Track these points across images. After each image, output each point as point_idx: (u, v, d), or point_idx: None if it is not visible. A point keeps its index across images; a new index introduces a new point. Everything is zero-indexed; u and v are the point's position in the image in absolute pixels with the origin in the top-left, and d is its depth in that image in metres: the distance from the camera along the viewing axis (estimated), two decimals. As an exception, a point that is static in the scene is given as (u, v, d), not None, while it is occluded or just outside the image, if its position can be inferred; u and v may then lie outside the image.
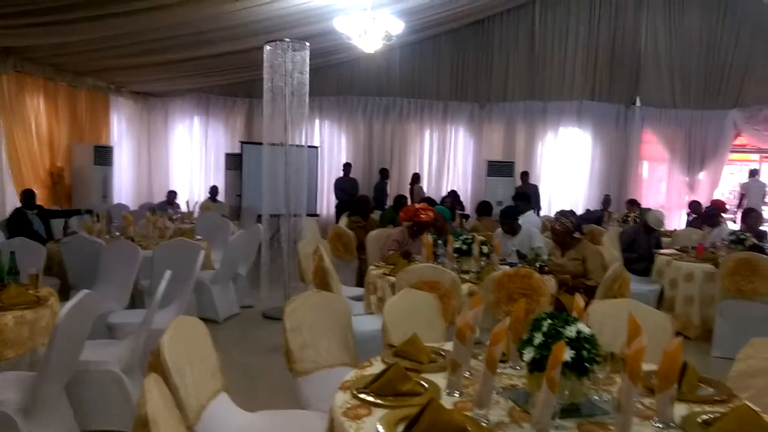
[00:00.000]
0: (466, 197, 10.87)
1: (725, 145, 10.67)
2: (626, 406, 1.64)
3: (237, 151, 10.58)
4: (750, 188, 10.15)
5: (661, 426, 1.75)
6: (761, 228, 6.66)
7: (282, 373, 2.53)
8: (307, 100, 5.84)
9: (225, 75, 10.35)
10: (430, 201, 7.04)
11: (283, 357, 2.52)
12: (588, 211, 9.69)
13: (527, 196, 9.14)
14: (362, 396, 1.81)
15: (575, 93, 11.03)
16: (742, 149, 11.22)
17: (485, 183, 10.74)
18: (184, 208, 9.36)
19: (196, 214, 8.55)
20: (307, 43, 5.81)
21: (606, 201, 9.79)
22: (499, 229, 5.55)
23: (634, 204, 9.29)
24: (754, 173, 10.39)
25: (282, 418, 2.43)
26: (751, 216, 6.75)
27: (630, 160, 11.10)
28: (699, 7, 10.58)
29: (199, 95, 11.28)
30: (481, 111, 11.38)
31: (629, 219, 8.18)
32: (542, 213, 9.88)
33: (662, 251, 6.09)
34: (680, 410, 1.86)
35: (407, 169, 11.31)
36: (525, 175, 10.21)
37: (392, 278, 3.79)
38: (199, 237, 6.17)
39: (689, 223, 8.68)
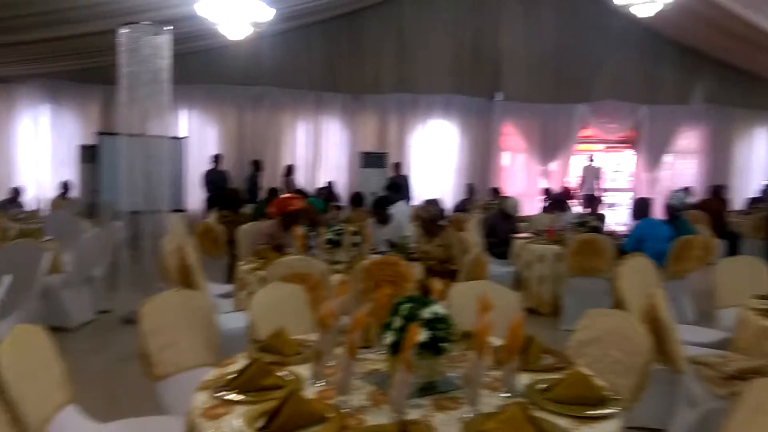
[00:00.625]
0: (341, 188, 10.95)
1: (574, 136, 11.72)
2: (473, 379, 1.77)
3: (93, 142, 9.78)
4: (587, 172, 11.35)
5: (506, 395, 1.90)
6: (600, 211, 7.42)
7: (144, 379, 2.41)
8: (170, 87, 5.55)
9: (78, 59, 9.49)
10: (301, 193, 7.02)
11: (139, 361, 2.39)
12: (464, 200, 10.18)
13: (398, 187, 9.42)
14: (221, 395, 1.77)
15: (442, 87, 11.51)
16: (589, 140, 12.37)
17: (359, 174, 10.90)
18: (32, 205, 8.50)
19: (44, 213, 7.82)
20: (169, 27, 5.51)
21: (470, 190, 10.36)
22: (372, 219, 5.67)
23: (496, 192, 9.93)
24: (590, 159, 11.55)
25: (138, 426, 2.31)
26: (593, 201, 7.51)
27: (492, 151, 11.81)
28: (552, 10, 11.46)
29: (48, 81, 10.26)
30: (355, 102, 11.50)
31: (491, 206, 8.71)
32: (414, 202, 10.23)
33: (519, 235, 6.57)
34: (525, 379, 2.03)
35: (281, 161, 11.15)
36: (397, 166, 10.49)
37: (262, 273, 3.74)
38: (48, 237, 5.64)
39: (543, 209, 9.44)
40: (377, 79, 11.49)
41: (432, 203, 4.94)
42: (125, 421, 2.32)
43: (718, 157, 12.12)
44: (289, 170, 10.41)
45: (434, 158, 11.63)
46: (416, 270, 4.16)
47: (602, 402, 1.83)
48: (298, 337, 2.37)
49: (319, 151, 11.58)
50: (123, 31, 5.32)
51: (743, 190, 11.92)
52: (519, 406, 1.67)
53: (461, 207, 9.56)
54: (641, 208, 5.71)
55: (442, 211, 5.02)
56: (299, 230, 4.27)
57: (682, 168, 12.22)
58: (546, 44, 11.47)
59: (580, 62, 11.54)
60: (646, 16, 7.97)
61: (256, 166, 10.31)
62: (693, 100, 11.86)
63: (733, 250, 8.42)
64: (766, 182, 10.55)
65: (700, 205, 9.30)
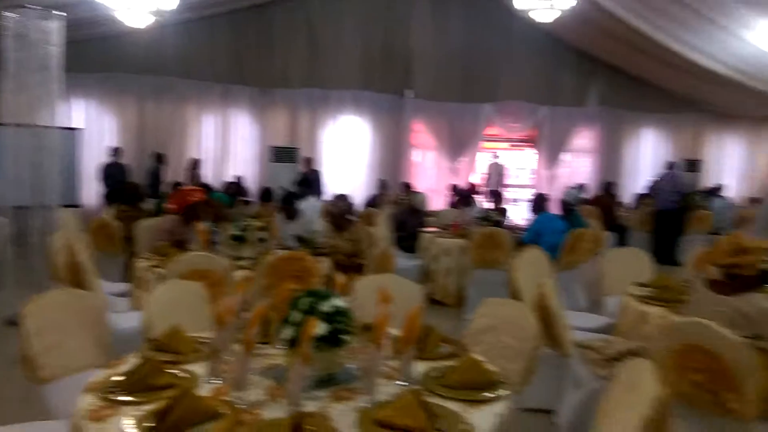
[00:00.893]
0: (251, 183, 10.72)
1: (480, 134, 12.15)
2: (370, 370, 1.81)
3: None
4: (492, 169, 11.89)
5: (403, 383, 1.96)
6: (504, 206, 7.76)
7: (29, 382, 2.26)
8: (61, 75, 5.21)
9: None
10: (206, 187, 6.80)
11: (21, 364, 2.24)
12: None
13: (309, 182, 9.37)
14: (109, 396, 1.70)
15: (353, 83, 11.55)
16: (494, 139, 12.86)
17: (269, 169, 10.72)
18: None
19: None
20: (61, 13, 5.17)
21: (382, 185, 10.48)
22: (280, 215, 5.61)
23: (407, 187, 10.11)
24: (495, 156, 12.06)
25: (21, 432, 2.17)
26: (497, 197, 7.84)
27: (403, 148, 12.00)
28: (461, 11, 11.76)
29: None
30: (264, 96, 11.29)
31: (401, 202, 8.85)
32: (325, 198, 10.20)
33: (427, 230, 6.74)
34: (422, 368, 2.10)
35: (186, 155, 10.74)
36: (308, 161, 10.42)
37: (162, 270, 3.60)
38: None
39: (451, 204, 9.72)
40: (287, 74, 11.33)
41: (341, 198, 4.96)
42: (9, 428, 2.17)
43: (610, 156, 13.01)
44: (194, 164, 10.04)
45: (346, 154, 11.66)
46: (324, 265, 4.17)
47: (492, 386, 1.92)
48: (196, 334, 2.32)
49: (228, 144, 11.26)
50: (9, 15, 4.95)
51: (632, 187, 12.88)
52: (413, 393, 1.73)
53: (373, 202, 9.66)
54: (539, 203, 6.03)
55: (350, 206, 5.05)
56: (201, 226, 4.15)
57: (578, 166, 13.00)
58: (454, 44, 11.80)
59: (486, 63, 11.96)
60: (546, 21, 8.41)
61: (159, 159, 9.87)
62: (588, 103, 12.65)
63: (621, 242, 9.09)
64: (652, 179, 11.38)
65: (592, 201, 9.95)
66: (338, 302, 2.03)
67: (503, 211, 7.73)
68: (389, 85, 11.69)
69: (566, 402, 3.16)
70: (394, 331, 2.16)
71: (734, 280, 2.61)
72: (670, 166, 9.73)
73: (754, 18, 8.41)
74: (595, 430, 1.89)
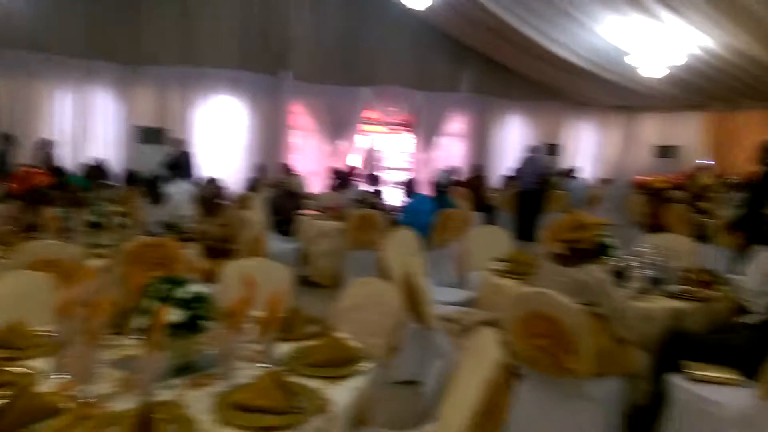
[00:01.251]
0: (115, 166, 9.99)
1: (359, 118, 12.26)
2: (227, 354, 1.79)
3: None
4: (370, 152, 12.15)
5: (265, 366, 1.96)
6: (380, 188, 7.91)
7: None
8: None
9: None
10: (59, 170, 6.26)
11: None
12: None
13: (179, 165, 8.94)
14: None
15: (229, 62, 11.11)
16: (373, 122, 13.04)
17: (136, 150, 10.07)
18: None
19: None
20: None
21: (259, 168, 10.26)
22: (145, 199, 5.32)
23: (286, 170, 9.98)
24: (372, 140, 12.26)
25: None
26: (374, 180, 7.99)
27: (282, 130, 11.79)
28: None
29: None
30: (130, 74, 10.53)
31: (277, 184, 8.72)
32: (197, 181, 9.78)
33: (304, 212, 6.72)
34: (285, 348, 2.12)
35: (40, 135, 9.77)
36: (178, 142, 9.91)
37: (4, 260, 3.28)
38: None
39: (330, 187, 9.76)
40: (156, 50, 10.63)
41: (211, 182, 4.80)
42: None
43: (480, 140, 13.74)
44: (44, 144, 9.13)
45: (221, 136, 11.24)
46: (192, 251, 4.03)
47: (352, 362, 1.99)
48: (41, 328, 2.15)
49: (88, 125, 10.38)
50: None
51: (499, 169, 13.70)
52: (271, 374, 1.74)
53: (250, 185, 9.44)
54: (410, 186, 6.24)
55: (221, 189, 4.91)
56: (51, 211, 3.82)
57: (452, 149, 13.59)
58: (333, 27, 11.74)
59: (364, 47, 12.05)
60: (418, 8, 8.64)
61: (7, 140, 8.90)
62: (461, 89, 13.22)
63: (490, 222, 9.68)
64: (522, 158, 12.01)
65: (463, 183, 10.47)
66: (197, 288, 1.98)
67: (380, 194, 7.90)
68: (267, 66, 11.39)
69: (431, 372, 3.34)
70: (259, 314, 2.16)
71: (574, 253, 2.88)
72: (531, 150, 10.50)
73: (602, 12, 9.23)
74: (446, 395, 2.03)
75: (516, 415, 2.84)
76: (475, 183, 10.35)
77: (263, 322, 2.00)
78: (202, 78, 10.93)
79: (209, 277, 3.30)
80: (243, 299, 1.90)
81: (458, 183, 10.36)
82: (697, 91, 12.56)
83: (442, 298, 4.04)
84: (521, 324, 2.65)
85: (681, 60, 10.10)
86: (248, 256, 4.02)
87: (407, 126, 13.09)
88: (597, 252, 3.18)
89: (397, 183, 10.45)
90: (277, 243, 6.22)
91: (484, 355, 1.85)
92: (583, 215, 2.95)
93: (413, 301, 3.14)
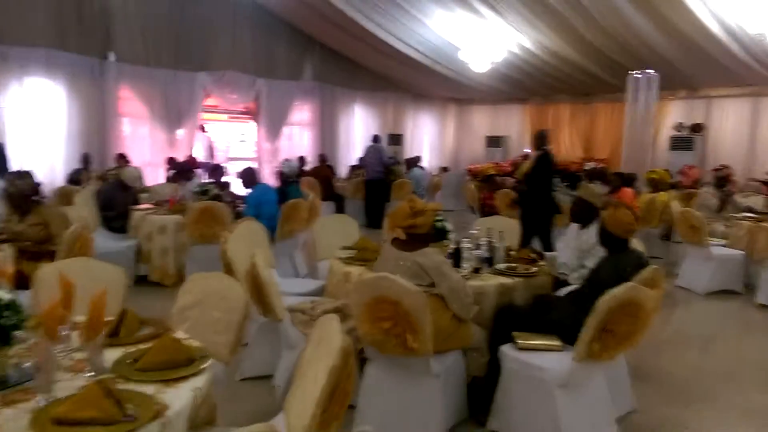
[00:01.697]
0: None
1: (198, 105, 11.63)
2: (44, 365, 1.60)
3: None
4: (210, 141, 11.72)
5: (92, 374, 1.78)
6: (224, 180, 7.63)
7: None
8: None
9: None
10: None
11: None
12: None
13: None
14: None
15: (43, 40, 9.86)
16: (213, 110, 12.46)
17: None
18: None
19: None
20: None
21: (85, 159, 9.33)
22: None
23: (123, 159, 9.19)
24: (203, 128, 11.79)
25: None
26: (216, 170, 7.65)
27: (110, 117, 10.78)
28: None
29: None
30: None
31: (108, 176, 8.02)
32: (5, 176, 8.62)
33: (139, 207, 6.25)
34: (115, 354, 1.94)
35: None
36: (-17, 131, 8.66)
37: None
38: None
39: (169, 178, 9.18)
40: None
41: (22, 176, 4.23)
42: None
43: (327, 130, 13.81)
44: None
45: (37, 123, 9.98)
46: (2, 254, 3.55)
47: (190, 362, 1.88)
48: None
49: None
50: None
51: (346, 159, 13.91)
52: (99, 384, 1.59)
53: (74, 178, 8.55)
54: (248, 177, 6.07)
55: (34, 184, 4.35)
56: None
57: (299, 139, 13.49)
58: (160, 6, 10.97)
59: (197, 30, 11.41)
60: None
61: None
62: (304, 78, 13.14)
63: (339, 210, 9.80)
64: (367, 148, 12.19)
65: (311, 172, 10.47)
66: (3, 295, 1.74)
67: (224, 185, 7.60)
68: (87, 46, 10.30)
69: (282, 364, 3.30)
70: (81, 319, 1.95)
71: (413, 238, 3.00)
72: (375, 139, 10.80)
73: (431, 7, 9.72)
74: (292, 385, 2.00)
75: (365, 397, 2.93)
76: (322, 172, 10.39)
77: (86, 328, 1.81)
78: (9, 58, 9.59)
79: (23, 283, 2.94)
80: (58, 304, 1.70)
81: (305, 173, 10.33)
82: (518, 85, 13.80)
83: (291, 289, 4.00)
84: (366, 309, 2.70)
85: (502, 56, 11.01)
86: (71, 256, 3.64)
87: (250, 114, 12.73)
88: (435, 236, 3.36)
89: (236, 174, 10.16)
90: (108, 241, 5.71)
91: (328, 342, 1.85)
92: (419, 202, 3.07)
93: (260, 294, 3.06)
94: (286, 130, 13.14)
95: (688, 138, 12.03)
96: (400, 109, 15.55)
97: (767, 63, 9.68)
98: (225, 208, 5.61)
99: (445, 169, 14.90)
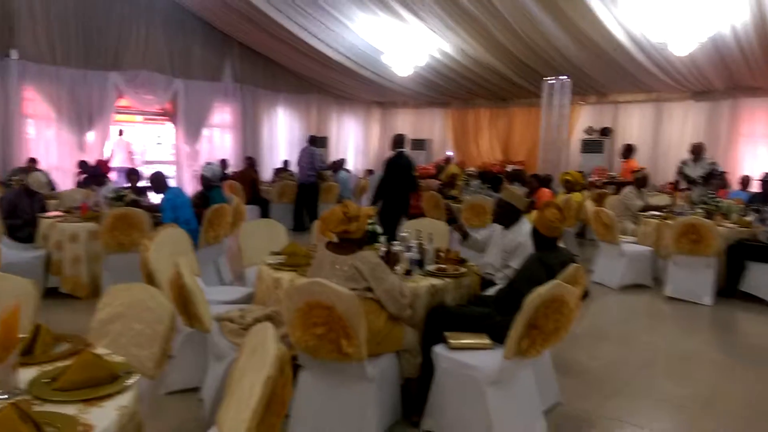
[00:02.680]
0: None
1: (109, 106, 11.05)
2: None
3: None
4: (124, 144, 11.28)
5: (5, 397, 1.64)
6: (141, 184, 7.28)
7: None
8: None
9: None
10: None
11: None
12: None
13: None
14: None
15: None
16: (127, 111, 11.87)
17: None
18: None
19: None
20: None
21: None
22: None
23: (31, 164, 8.56)
24: (120, 131, 11.37)
25: None
26: (132, 175, 7.30)
27: (13, 118, 10.04)
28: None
29: None
30: None
31: (12, 182, 7.44)
32: None
33: (47, 214, 5.85)
34: (30, 374, 1.80)
35: None
36: None
37: None
38: None
39: (79, 183, 8.67)
40: None
41: None
42: None
43: (250, 132, 13.53)
44: None
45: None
46: None
47: (114, 379, 1.77)
48: None
49: None
50: None
51: (271, 162, 13.68)
52: (13, 406, 1.46)
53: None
54: (158, 181, 5.83)
55: None
56: None
57: (220, 141, 13.12)
58: (68, 5, 10.35)
59: (109, 28, 10.88)
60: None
61: None
62: (224, 78, 12.80)
63: (264, 214, 9.60)
64: (300, 150, 11.83)
65: (235, 176, 10.21)
66: None
67: (141, 190, 7.25)
68: (-14, 43, 9.59)
69: (210, 376, 3.18)
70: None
71: (347, 242, 2.99)
72: (310, 141, 10.68)
73: (354, 11, 9.75)
74: (225, 397, 1.93)
75: (299, 404, 2.88)
76: (247, 175, 10.15)
77: (-4, 348, 1.66)
78: None
79: None
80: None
81: (229, 176, 10.06)
82: (440, 90, 14.12)
83: (217, 297, 3.87)
84: (299, 315, 2.66)
85: (424, 61, 11.23)
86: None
87: (167, 116, 12.24)
88: (367, 239, 3.36)
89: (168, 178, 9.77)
90: (14, 252, 5.31)
91: (262, 351, 1.80)
92: (353, 207, 3.06)
93: (186, 304, 2.94)
94: (206, 132, 12.75)
95: (598, 141, 12.73)
96: (324, 111, 15.48)
97: (669, 71, 10.42)
98: (143, 215, 5.35)
99: (370, 172, 14.97)
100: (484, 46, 10.55)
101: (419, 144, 15.90)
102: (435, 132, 16.22)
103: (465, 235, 4.31)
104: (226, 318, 3.15)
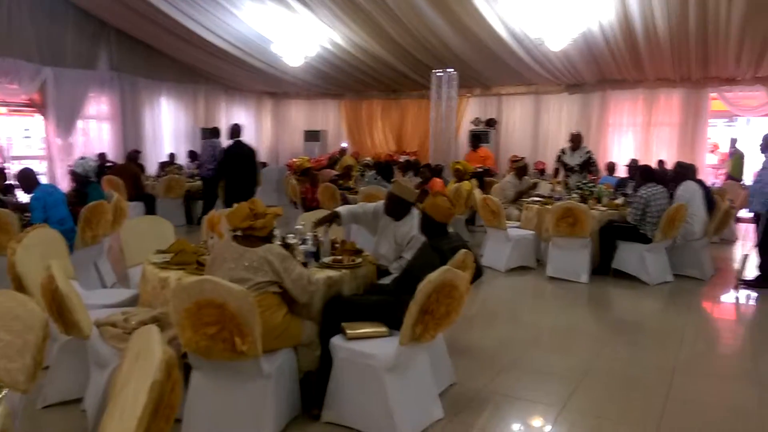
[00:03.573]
0: None
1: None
2: None
3: None
4: None
5: None
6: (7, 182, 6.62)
7: None
8: None
9: None
10: None
11: None
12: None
13: None
14: None
15: None
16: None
17: None
18: None
19: None
20: None
21: None
22: None
23: None
24: None
25: None
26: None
27: None
28: None
29: None
30: None
31: None
32: None
33: None
34: None
35: None
36: None
37: None
38: None
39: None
40: None
41: None
42: None
43: (131, 124, 12.67)
44: None
45: None
46: None
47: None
48: None
49: None
50: None
51: (156, 155, 12.94)
52: None
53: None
54: (26, 179, 5.35)
55: None
56: None
57: (97, 134, 12.20)
58: None
59: None
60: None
61: None
62: (99, 66, 11.90)
63: (150, 211, 9.06)
64: (205, 142, 11.02)
65: (116, 170, 9.54)
66: None
67: (8, 188, 6.59)
68: None
69: (92, 385, 2.97)
70: None
71: (251, 237, 2.90)
72: (211, 133, 10.17)
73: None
74: (108, 406, 1.81)
75: (191, 407, 2.76)
76: (129, 170, 9.52)
77: None
78: None
79: None
80: None
81: (108, 171, 9.41)
82: (333, 81, 14.09)
83: (98, 301, 3.62)
84: (188, 315, 2.54)
85: (315, 51, 11.13)
86: None
87: (35, 107, 11.18)
88: (270, 235, 3.28)
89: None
90: None
91: (147, 355, 1.70)
92: (260, 204, 2.98)
93: (61, 310, 2.71)
94: (80, 125, 11.80)
95: (484, 131, 13.32)
96: (212, 102, 14.89)
97: (546, 65, 11.10)
98: (10, 215, 4.87)
99: (264, 164, 14.62)
100: (374, 38, 10.64)
101: (313, 135, 15.78)
102: (329, 123, 16.17)
103: (336, 215, 4.20)
104: (107, 323, 2.94)
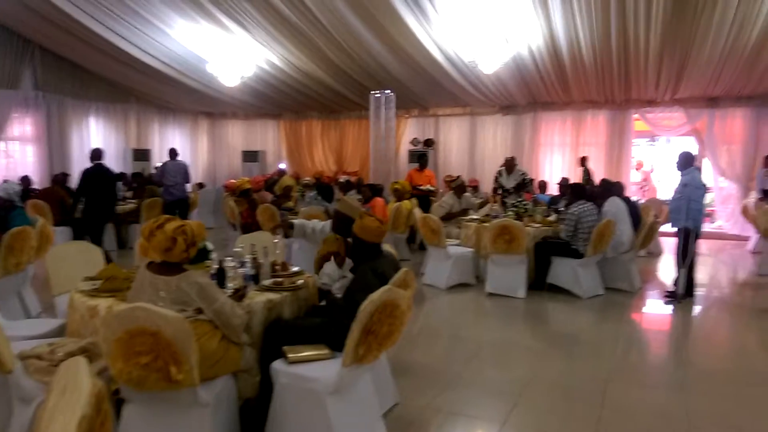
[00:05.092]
0: None
1: None
2: None
3: None
4: None
5: None
6: None
7: None
8: None
9: None
10: None
11: None
12: None
13: None
14: None
15: None
16: None
17: None
18: None
19: None
20: None
21: None
22: None
23: None
24: None
25: None
26: None
27: None
28: None
29: None
30: None
31: None
32: None
33: None
34: None
35: None
36: None
37: None
38: None
39: None
40: None
41: None
42: None
43: (57, 145, 12.12)
44: None
45: None
46: None
47: None
48: None
49: None
50: None
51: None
52: None
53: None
54: None
55: None
56: None
57: (21, 156, 11.59)
58: None
59: None
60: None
61: None
62: (22, 86, 11.35)
63: (78, 236, 8.64)
64: (173, 162, 10.49)
65: (41, 194, 9.08)
66: None
67: None
68: None
69: (15, 423, 2.77)
70: None
71: (166, 266, 2.80)
72: (174, 154, 9.98)
73: (173, 17, 9.24)
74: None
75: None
76: (54, 194, 9.07)
77: None
78: None
79: None
80: None
81: (33, 194, 8.94)
82: (271, 101, 14.00)
83: (21, 332, 3.41)
84: (119, 344, 2.43)
85: (252, 71, 11.05)
86: None
87: (-49, 128, 10.53)
88: (196, 257, 3.18)
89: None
90: None
91: (75, 389, 1.61)
92: (167, 225, 2.85)
93: (-23, 344, 2.53)
94: (3, 146, 11.17)
95: (423, 152, 13.55)
96: (144, 122, 14.45)
97: (480, 87, 11.44)
98: None
99: (200, 186, 14.28)
100: (311, 58, 10.67)
101: (252, 156, 15.57)
102: (269, 143, 16.01)
103: (290, 226, 4.28)
104: (32, 355, 2.77)
